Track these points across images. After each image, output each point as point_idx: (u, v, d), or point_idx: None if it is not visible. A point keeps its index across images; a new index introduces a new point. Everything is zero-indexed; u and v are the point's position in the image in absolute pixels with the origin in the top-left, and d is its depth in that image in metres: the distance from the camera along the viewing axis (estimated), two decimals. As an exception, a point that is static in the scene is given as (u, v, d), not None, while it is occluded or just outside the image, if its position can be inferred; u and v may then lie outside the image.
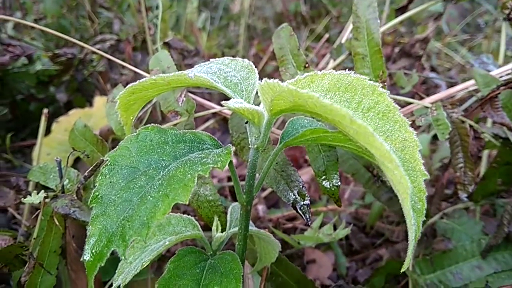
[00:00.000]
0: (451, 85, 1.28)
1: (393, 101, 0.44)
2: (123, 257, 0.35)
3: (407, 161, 0.42)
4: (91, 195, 0.40)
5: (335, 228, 0.96)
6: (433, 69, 1.92)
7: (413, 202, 0.40)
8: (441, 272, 0.84)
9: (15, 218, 1.08)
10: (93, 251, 0.37)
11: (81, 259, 0.37)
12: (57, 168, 0.64)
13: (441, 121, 0.70)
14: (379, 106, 0.43)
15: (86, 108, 1.33)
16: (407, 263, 0.39)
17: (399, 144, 0.42)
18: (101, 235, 0.37)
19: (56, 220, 0.61)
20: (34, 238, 0.61)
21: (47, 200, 0.63)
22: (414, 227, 0.38)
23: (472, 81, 0.89)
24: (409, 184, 0.35)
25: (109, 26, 1.95)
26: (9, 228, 1.04)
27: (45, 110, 1.00)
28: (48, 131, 1.24)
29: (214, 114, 1.35)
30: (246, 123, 0.49)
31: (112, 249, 0.36)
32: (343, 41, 1.09)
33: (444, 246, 0.92)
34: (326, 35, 1.68)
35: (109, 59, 1.48)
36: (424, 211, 0.41)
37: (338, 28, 2.51)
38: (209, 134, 0.48)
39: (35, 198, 0.61)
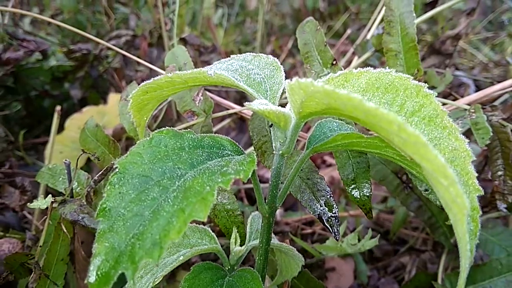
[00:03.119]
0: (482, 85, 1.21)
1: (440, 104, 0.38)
2: (131, 281, 0.31)
3: (458, 175, 0.36)
4: (98, 207, 0.35)
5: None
6: (456, 68, 1.85)
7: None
8: (473, 287, 0.78)
9: (26, 218, 1.06)
10: (99, 272, 0.32)
11: (85, 281, 0.33)
12: (66, 171, 0.60)
13: (481, 125, 0.63)
14: (425, 110, 0.38)
15: (100, 106, 1.29)
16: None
17: (449, 154, 0.37)
18: (108, 255, 0.33)
19: (63, 227, 0.57)
20: (40, 246, 0.57)
21: (55, 205, 0.59)
22: (468, 254, 0.32)
23: (510, 81, 0.83)
24: (467, 203, 0.29)
25: (125, 22, 1.93)
26: (20, 228, 1.02)
27: (58, 107, 0.97)
28: (61, 128, 1.22)
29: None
30: (271, 126, 0.44)
31: (120, 271, 0.32)
32: (368, 37, 1.03)
33: (475, 259, 0.86)
34: (347, 31, 1.62)
35: (124, 55, 1.45)
36: (478, 233, 0.35)
37: (357, 25, 2.45)
38: (229, 138, 0.43)
39: (42, 202, 0.57)
